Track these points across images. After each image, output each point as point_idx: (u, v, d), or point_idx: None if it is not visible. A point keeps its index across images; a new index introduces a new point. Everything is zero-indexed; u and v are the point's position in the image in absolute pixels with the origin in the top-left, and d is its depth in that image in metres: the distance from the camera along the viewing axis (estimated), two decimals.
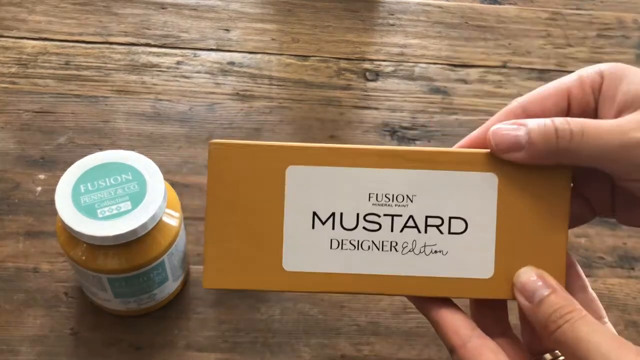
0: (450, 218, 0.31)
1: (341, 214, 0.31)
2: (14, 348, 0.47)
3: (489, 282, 0.31)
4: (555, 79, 0.33)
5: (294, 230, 0.31)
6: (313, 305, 0.50)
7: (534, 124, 0.30)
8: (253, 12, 0.69)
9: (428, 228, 0.31)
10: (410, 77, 0.65)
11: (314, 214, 0.31)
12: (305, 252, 0.31)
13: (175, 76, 0.63)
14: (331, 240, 0.31)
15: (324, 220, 0.31)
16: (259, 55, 0.65)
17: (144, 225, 0.41)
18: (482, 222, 0.31)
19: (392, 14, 0.70)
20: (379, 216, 0.31)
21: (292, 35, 0.67)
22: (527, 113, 0.32)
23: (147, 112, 0.60)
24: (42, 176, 0.55)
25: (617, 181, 0.31)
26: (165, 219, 0.44)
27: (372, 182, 0.31)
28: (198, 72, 0.63)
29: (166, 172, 0.53)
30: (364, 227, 0.31)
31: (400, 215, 0.31)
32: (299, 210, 0.31)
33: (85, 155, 0.44)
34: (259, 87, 0.63)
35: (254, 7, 0.69)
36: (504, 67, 0.66)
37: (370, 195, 0.31)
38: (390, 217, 0.31)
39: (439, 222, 0.31)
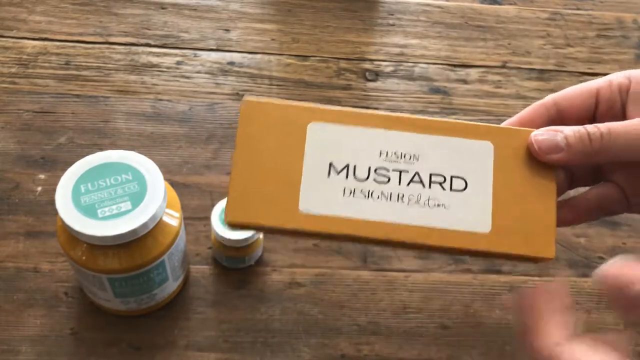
0: (452, 177, 0.34)
1: (354, 166, 0.34)
2: (14, 348, 0.47)
3: (487, 236, 0.34)
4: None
5: (311, 178, 0.34)
6: (313, 305, 0.50)
7: (569, 130, 0.34)
8: (253, 12, 0.69)
9: (432, 184, 0.34)
10: (410, 77, 0.65)
11: (330, 164, 0.34)
12: (320, 197, 0.34)
13: (176, 76, 0.63)
14: (344, 188, 0.34)
15: (338, 170, 0.34)
16: (259, 56, 0.65)
17: (144, 225, 0.41)
18: (480, 182, 0.34)
19: (392, 14, 0.70)
20: (388, 170, 0.34)
21: (292, 35, 0.67)
22: (558, 107, 0.37)
23: (147, 112, 0.60)
24: (42, 176, 0.55)
25: None
26: (165, 219, 0.44)
27: (383, 142, 0.35)
28: (198, 72, 0.63)
29: (166, 172, 0.54)
30: (374, 179, 0.34)
31: (407, 171, 0.34)
32: (316, 160, 0.34)
33: (85, 155, 0.44)
34: (259, 87, 0.63)
35: (254, 7, 0.69)
36: (503, 67, 0.66)
37: (382, 152, 0.35)
38: (398, 172, 0.34)
39: (441, 179, 0.34)
